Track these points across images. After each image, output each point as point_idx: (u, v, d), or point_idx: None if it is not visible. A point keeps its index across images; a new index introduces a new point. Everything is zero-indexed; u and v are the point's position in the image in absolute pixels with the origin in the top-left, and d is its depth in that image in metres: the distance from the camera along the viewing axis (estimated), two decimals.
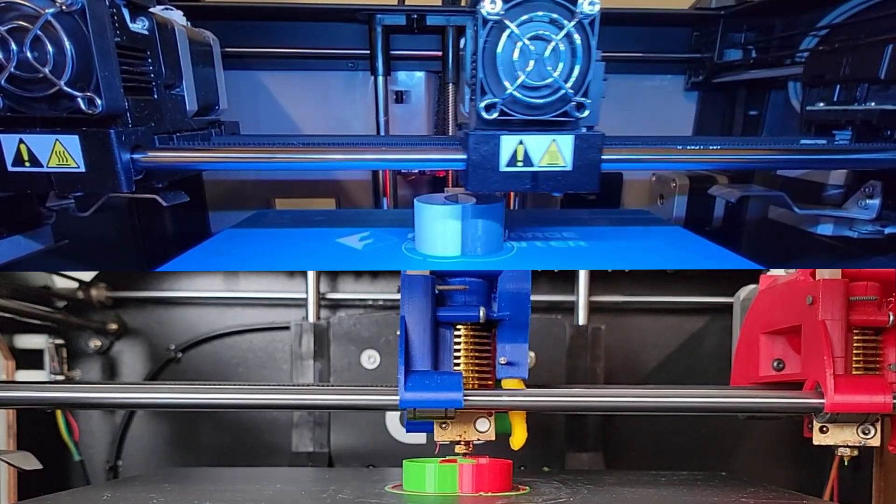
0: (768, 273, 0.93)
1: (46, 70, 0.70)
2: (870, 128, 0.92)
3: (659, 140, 0.97)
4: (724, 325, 1.52)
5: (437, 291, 0.78)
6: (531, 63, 0.73)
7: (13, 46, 0.69)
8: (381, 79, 1.34)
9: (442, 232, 0.89)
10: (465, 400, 0.74)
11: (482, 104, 0.75)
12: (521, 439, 0.79)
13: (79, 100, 0.71)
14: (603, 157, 0.80)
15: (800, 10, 1.18)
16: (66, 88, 0.71)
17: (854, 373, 0.79)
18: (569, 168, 0.80)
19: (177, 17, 0.97)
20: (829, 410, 0.75)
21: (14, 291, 1.31)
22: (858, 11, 1.05)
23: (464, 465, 0.78)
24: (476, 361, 0.79)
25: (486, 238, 0.90)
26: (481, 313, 0.77)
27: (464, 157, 0.80)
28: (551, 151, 0.79)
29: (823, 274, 0.79)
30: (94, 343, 1.50)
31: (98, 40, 0.71)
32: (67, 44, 0.70)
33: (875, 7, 1.02)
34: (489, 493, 0.77)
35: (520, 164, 0.79)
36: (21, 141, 0.75)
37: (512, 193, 1.38)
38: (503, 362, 0.78)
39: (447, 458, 0.80)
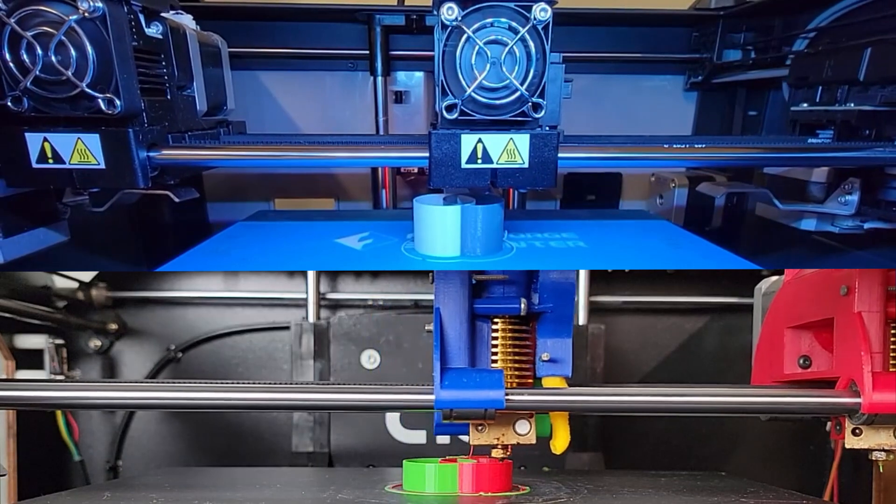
0: None
1: (69, 73, 0.74)
2: (849, 127, 0.95)
3: (629, 139, 1.00)
4: (725, 325, 1.52)
5: (473, 281, 0.74)
6: (488, 66, 0.76)
7: (39, 51, 0.73)
8: (380, 79, 1.34)
9: (441, 232, 0.89)
10: (506, 400, 0.70)
11: (443, 105, 0.78)
12: (565, 443, 0.75)
13: (99, 101, 0.75)
14: (560, 154, 0.83)
15: (798, 11, 1.18)
16: (87, 90, 0.75)
17: (893, 370, 0.72)
18: (526, 165, 0.82)
19: (187, 20, 0.99)
20: (867, 411, 0.69)
21: (14, 291, 1.31)
22: (842, 15, 1.07)
23: (464, 465, 0.78)
24: (515, 358, 0.75)
25: (485, 238, 0.90)
26: (523, 305, 0.73)
27: (426, 154, 0.82)
28: (509, 149, 0.81)
29: None
30: (94, 343, 1.50)
31: (117, 45, 0.75)
32: (89, 48, 0.74)
33: (855, 11, 1.04)
34: (489, 493, 0.77)
35: (479, 161, 0.82)
36: (45, 139, 0.79)
37: (511, 193, 1.38)
38: (545, 359, 0.74)
39: (447, 457, 0.80)
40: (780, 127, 1.28)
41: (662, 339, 1.54)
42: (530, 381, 0.76)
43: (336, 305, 1.52)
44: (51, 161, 0.79)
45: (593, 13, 1.32)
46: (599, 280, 1.49)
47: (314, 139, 1.10)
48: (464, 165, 0.81)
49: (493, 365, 0.75)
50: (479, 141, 0.80)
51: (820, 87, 1.04)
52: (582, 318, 1.43)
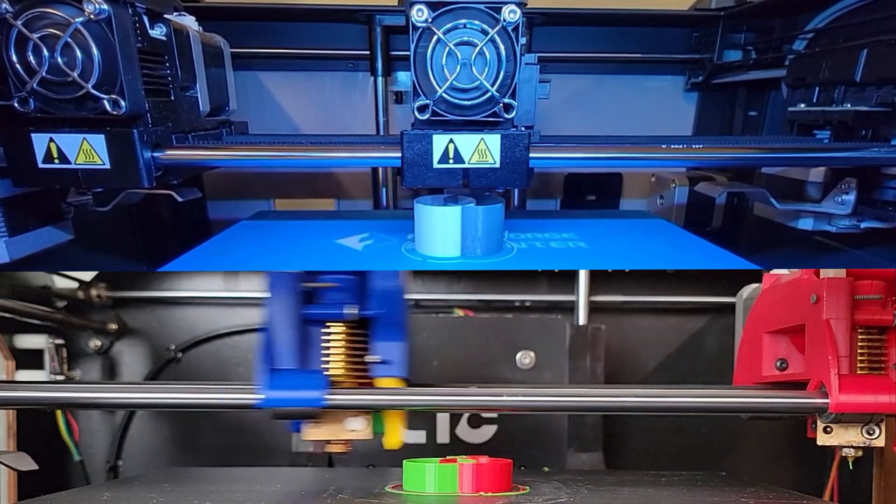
0: (771, 271, 0.93)
1: (75, 74, 0.75)
2: (846, 128, 0.96)
3: (627, 139, 1.01)
4: (725, 325, 1.52)
5: (302, 288, 0.77)
6: (459, 67, 0.78)
7: (45, 52, 0.74)
8: (380, 79, 1.34)
9: (442, 233, 0.90)
10: (329, 399, 0.73)
11: (415, 105, 0.80)
12: (395, 440, 0.78)
13: (104, 101, 0.77)
14: (531, 155, 0.84)
15: (799, 12, 1.18)
16: (93, 91, 0.76)
17: (859, 372, 0.77)
18: (497, 165, 0.84)
19: (190, 22, 1.00)
20: (834, 411, 0.74)
21: (14, 291, 1.31)
22: (839, 17, 1.08)
23: (464, 465, 0.78)
24: (350, 360, 0.77)
25: (485, 239, 0.90)
26: (346, 311, 0.75)
27: (399, 155, 0.84)
28: (480, 149, 0.83)
29: (828, 272, 0.78)
30: (94, 343, 1.50)
31: (122, 46, 0.76)
32: (95, 50, 0.75)
33: (852, 13, 1.05)
34: (489, 493, 0.77)
35: (451, 161, 0.84)
36: (51, 140, 0.80)
37: (512, 194, 1.38)
38: (376, 360, 0.77)
39: (447, 457, 0.80)
40: (781, 127, 1.29)
41: (662, 339, 1.54)
42: (368, 381, 0.78)
43: None
44: (56, 161, 0.81)
45: (594, 13, 1.32)
46: (599, 280, 1.48)
47: (315, 139, 1.11)
48: (436, 165, 0.84)
49: (332, 367, 0.77)
50: (451, 141, 0.83)
51: (817, 88, 1.05)
52: (582, 318, 1.43)
